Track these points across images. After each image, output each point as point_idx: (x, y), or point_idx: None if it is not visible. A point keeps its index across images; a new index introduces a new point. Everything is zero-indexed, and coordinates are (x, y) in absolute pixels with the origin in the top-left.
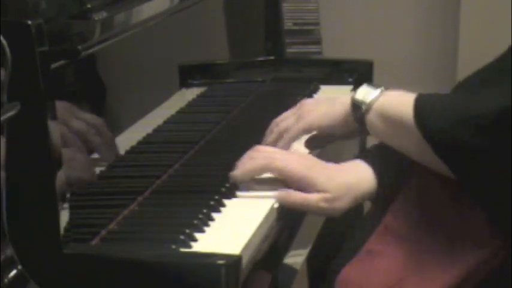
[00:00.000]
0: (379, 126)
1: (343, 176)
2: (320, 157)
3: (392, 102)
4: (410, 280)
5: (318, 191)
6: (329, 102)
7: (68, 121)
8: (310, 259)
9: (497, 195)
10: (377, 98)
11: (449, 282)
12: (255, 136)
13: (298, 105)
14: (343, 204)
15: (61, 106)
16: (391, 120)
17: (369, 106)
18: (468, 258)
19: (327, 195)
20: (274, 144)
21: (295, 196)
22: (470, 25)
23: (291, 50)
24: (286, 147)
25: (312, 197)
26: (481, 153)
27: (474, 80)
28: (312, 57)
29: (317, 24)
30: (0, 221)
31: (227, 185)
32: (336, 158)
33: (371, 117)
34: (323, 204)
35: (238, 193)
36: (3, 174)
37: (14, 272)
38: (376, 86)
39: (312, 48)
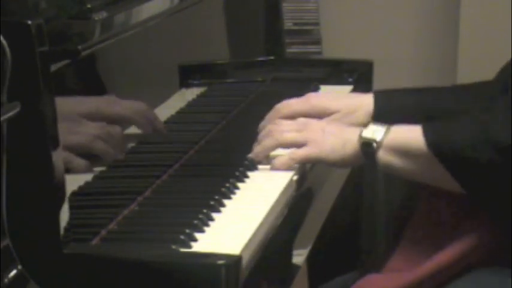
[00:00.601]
0: (391, 159)
1: None
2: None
3: (402, 135)
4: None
5: None
6: (337, 138)
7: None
8: (310, 259)
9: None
10: (386, 134)
11: (434, 267)
12: (255, 136)
13: (303, 120)
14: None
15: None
16: (402, 152)
17: (380, 143)
18: (455, 244)
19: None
20: (270, 150)
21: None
22: (470, 25)
23: (291, 50)
24: (285, 167)
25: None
26: (501, 175)
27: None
28: (312, 57)
29: (317, 24)
30: (0, 220)
31: (227, 185)
32: None
33: (382, 153)
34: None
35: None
36: (3, 174)
37: (14, 272)
38: (382, 124)
39: (312, 48)
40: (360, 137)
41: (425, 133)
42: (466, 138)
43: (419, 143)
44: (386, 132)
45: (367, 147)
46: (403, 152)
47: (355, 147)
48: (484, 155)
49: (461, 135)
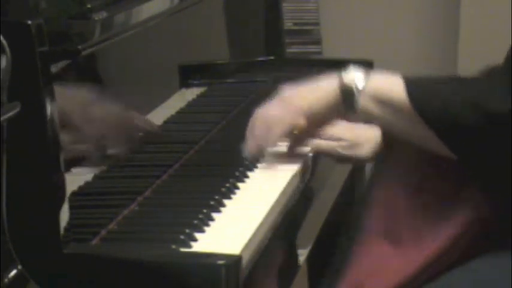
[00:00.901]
0: (371, 108)
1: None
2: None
3: (383, 85)
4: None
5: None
6: (312, 90)
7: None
8: (310, 259)
9: (495, 169)
10: (366, 80)
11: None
12: None
13: (278, 97)
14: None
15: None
16: (383, 102)
17: (361, 91)
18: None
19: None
20: (263, 138)
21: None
22: (470, 25)
23: (291, 50)
24: (274, 143)
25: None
26: (483, 133)
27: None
28: (312, 57)
29: (317, 24)
30: (0, 220)
31: (227, 185)
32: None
33: (363, 101)
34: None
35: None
36: (3, 174)
37: (14, 272)
38: (362, 70)
39: (312, 48)
40: (341, 84)
41: (408, 88)
42: (453, 100)
43: (401, 96)
44: (366, 79)
45: (347, 95)
46: (384, 102)
47: (335, 96)
48: (472, 119)
49: (447, 95)
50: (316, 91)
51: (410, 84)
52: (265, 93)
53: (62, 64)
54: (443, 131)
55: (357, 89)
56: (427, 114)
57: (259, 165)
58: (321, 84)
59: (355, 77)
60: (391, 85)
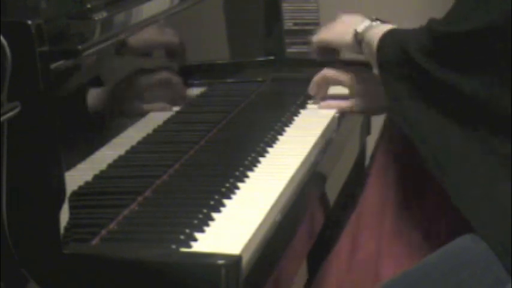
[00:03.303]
0: (366, 51)
1: None
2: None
3: (376, 34)
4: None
5: None
6: (344, 26)
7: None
8: (310, 259)
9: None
10: (370, 30)
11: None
12: (255, 136)
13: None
14: None
15: None
16: (369, 47)
17: (362, 36)
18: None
19: None
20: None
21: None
22: None
23: (291, 50)
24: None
25: None
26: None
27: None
28: (312, 57)
29: (317, 24)
30: (0, 220)
31: (227, 185)
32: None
33: (364, 45)
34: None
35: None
36: (3, 174)
37: (14, 272)
38: (378, 21)
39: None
40: (354, 29)
41: (383, 35)
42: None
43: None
44: (372, 28)
45: (355, 37)
46: (370, 46)
47: (352, 37)
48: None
49: (393, 44)
50: (344, 28)
51: (388, 33)
52: (265, 93)
53: (62, 64)
54: (382, 74)
55: (361, 34)
56: (380, 56)
57: (259, 164)
58: (351, 26)
59: (366, 25)
60: (379, 32)
